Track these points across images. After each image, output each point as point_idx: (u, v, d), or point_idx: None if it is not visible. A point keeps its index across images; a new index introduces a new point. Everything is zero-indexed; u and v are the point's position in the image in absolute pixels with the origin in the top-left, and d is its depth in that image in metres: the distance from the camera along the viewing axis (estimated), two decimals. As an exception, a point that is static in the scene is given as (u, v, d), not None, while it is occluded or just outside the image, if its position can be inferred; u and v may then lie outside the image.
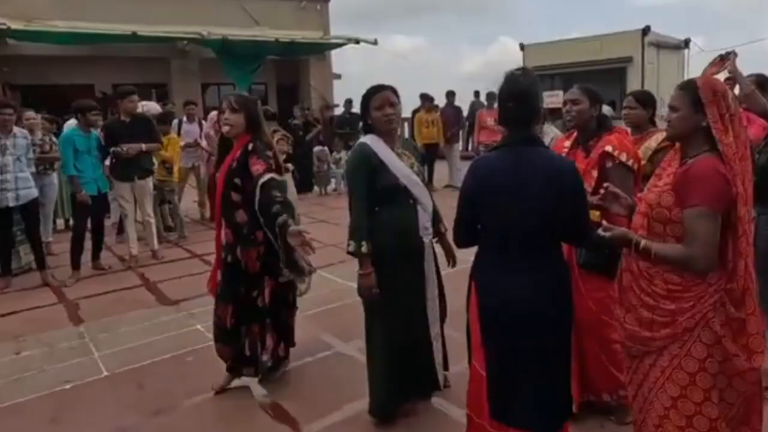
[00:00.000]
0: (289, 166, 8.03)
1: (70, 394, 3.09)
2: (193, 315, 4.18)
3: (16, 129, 4.88)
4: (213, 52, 13.22)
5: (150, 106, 7.08)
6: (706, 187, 1.68)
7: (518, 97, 1.94)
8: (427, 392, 2.84)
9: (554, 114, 5.61)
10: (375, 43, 14.57)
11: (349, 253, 2.55)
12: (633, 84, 9.97)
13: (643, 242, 1.78)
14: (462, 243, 2.14)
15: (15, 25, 10.79)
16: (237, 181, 2.83)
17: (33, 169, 5.10)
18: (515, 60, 11.31)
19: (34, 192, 4.97)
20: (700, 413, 1.72)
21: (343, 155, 10.08)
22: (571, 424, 2.23)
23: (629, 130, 3.01)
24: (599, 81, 10.55)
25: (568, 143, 2.76)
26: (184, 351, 3.57)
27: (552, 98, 11.60)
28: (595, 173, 2.51)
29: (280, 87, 16.45)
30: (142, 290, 4.89)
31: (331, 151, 10.42)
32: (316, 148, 10.19)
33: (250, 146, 2.83)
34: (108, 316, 4.23)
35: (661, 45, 10.18)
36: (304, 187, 9.50)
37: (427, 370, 2.71)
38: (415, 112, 10.23)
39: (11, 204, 4.77)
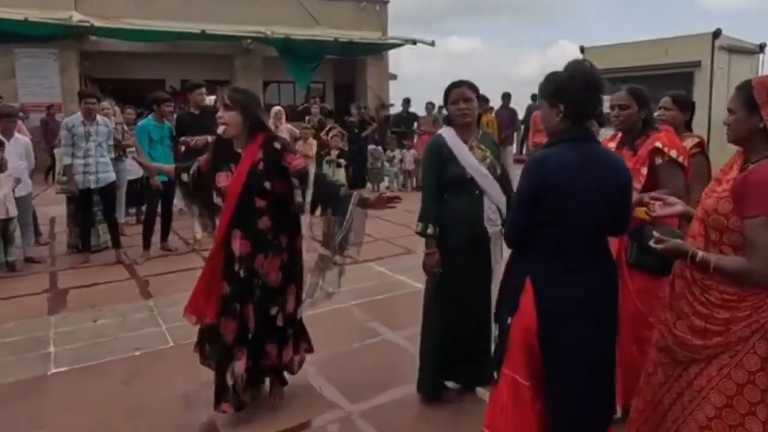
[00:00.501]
0: (342, 161, 8.33)
1: (140, 360, 3.37)
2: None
3: (98, 117, 5.31)
4: (275, 51, 13.69)
5: (217, 100, 7.48)
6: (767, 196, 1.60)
7: (593, 89, 1.86)
8: (483, 381, 2.84)
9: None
10: (432, 44, 14.67)
11: (417, 233, 2.75)
12: (700, 89, 9.52)
13: (700, 254, 1.70)
14: (518, 244, 1.99)
15: (97, 23, 11.61)
16: (267, 185, 2.54)
17: (112, 155, 5.53)
18: (575, 64, 11.09)
19: (113, 176, 5.38)
20: (743, 425, 1.66)
21: (397, 153, 10.22)
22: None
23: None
24: (664, 86, 10.05)
25: (613, 144, 2.74)
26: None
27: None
28: (644, 170, 2.50)
29: (337, 85, 16.82)
30: (205, 272, 5.20)
31: (385, 150, 10.59)
32: (371, 147, 10.40)
33: (277, 144, 2.60)
34: (174, 293, 4.52)
35: (733, 49, 9.65)
36: (357, 182, 9.73)
37: (484, 358, 2.70)
38: (470, 112, 10.24)
39: (92, 186, 5.19)
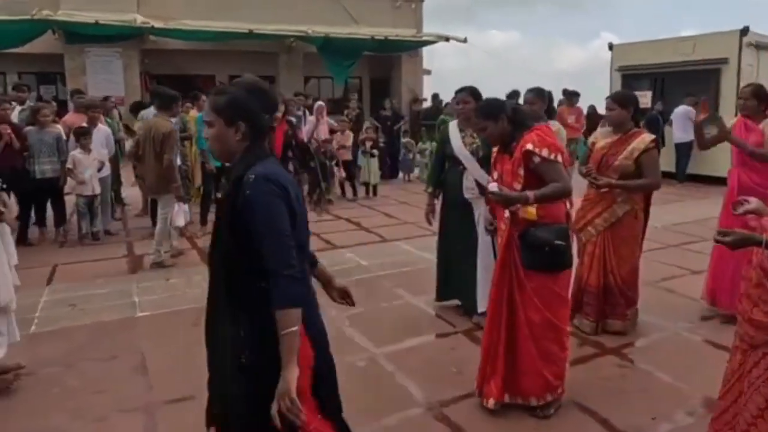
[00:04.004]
0: (375, 151, 9.01)
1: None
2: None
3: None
4: (316, 48, 14.44)
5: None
6: None
7: (272, 107, 1.78)
8: (467, 309, 3.84)
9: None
10: (465, 41, 15.05)
11: (424, 191, 4.15)
12: (727, 86, 9.59)
13: None
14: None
15: (156, 24, 12.63)
16: None
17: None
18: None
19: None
20: None
21: (428, 145, 10.81)
22: (501, 418, 2.66)
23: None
24: (691, 83, 10.19)
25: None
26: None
27: (640, 99, 11.42)
28: (521, 171, 2.58)
29: (373, 81, 17.41)
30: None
31: (417, 142, 11.20)
32: (403, 139, 11.03)
33: None
34: (229, 260, 5.32)
35: (762, 46, 9.69)
36: (391, 172, 10.44)
37: (468, 287, 3.72)
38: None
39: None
